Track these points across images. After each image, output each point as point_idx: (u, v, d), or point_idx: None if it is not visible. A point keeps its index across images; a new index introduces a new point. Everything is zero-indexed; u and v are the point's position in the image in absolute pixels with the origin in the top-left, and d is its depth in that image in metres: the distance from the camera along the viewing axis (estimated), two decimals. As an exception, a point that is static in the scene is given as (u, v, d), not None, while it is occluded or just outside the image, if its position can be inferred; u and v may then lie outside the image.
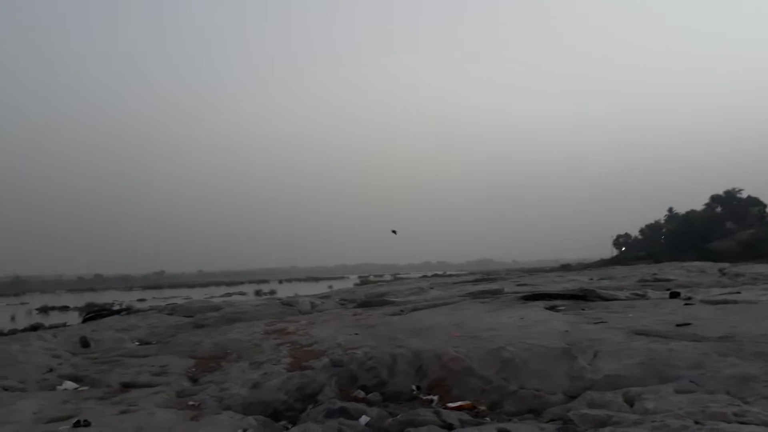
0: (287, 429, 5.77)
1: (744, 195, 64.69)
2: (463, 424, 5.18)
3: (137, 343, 12.72)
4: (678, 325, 8.00)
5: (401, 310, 13.12)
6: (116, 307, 29.06)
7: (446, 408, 5.86)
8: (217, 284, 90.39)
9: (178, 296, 51.69)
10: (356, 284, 48.98)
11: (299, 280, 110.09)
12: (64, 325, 21.47)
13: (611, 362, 6.30)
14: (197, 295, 53.59)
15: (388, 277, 78.78)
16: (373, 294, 22.93)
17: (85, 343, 11.99)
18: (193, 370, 8.97)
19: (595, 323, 8.75)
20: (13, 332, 19.91)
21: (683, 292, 13.32)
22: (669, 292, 13.62)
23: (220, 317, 15.92)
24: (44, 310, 43.64)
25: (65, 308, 44.17)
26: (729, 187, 65.82)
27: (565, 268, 55.59)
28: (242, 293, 53.08)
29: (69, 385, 8.28)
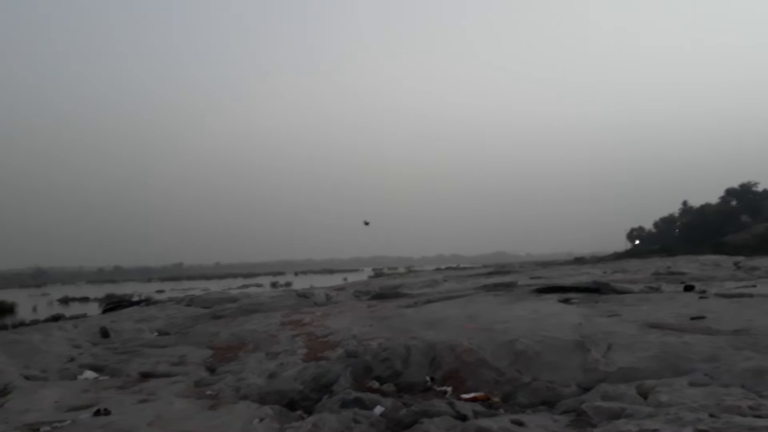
0: (303, 418, 5.83)
1: (760, 188, 63.67)
2: (477, 415, 5.21)
3: (156, 333, 12.97)
4: (692, 319, 7.96)
5: (415, 302, 13.18)
6: (135, 299, 29.62)
7: (460, 399, 5.90)
8: (234, 276, 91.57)
9: (196, 288, 52.47)
10: (371, 276, 49.27)
11: (314, 272, 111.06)
12: (85, 315, 21.78)
13: (625, 355, 6.30)
14: (215, 286, 54.37)
15: (402, 270, 78.99)
16: (388, 286, 23.05)
17: (105, 333, 12.24)
18: (211, 360, 9.14)
19: (609, 316, 8.72)
20: (35, 323, 20.33)
21: (697, 286, 13.17)
22: (683, 285, 13.49)
23: (237, 308, 16.16)
24: (65, 301, 44.53)
25: (85, 299, 45.01)
26: (744, 180, 64.90)
27: (579, 261, 55.12)
28: (259, 285, 53.44)
29: (89, 374, 8.46)
